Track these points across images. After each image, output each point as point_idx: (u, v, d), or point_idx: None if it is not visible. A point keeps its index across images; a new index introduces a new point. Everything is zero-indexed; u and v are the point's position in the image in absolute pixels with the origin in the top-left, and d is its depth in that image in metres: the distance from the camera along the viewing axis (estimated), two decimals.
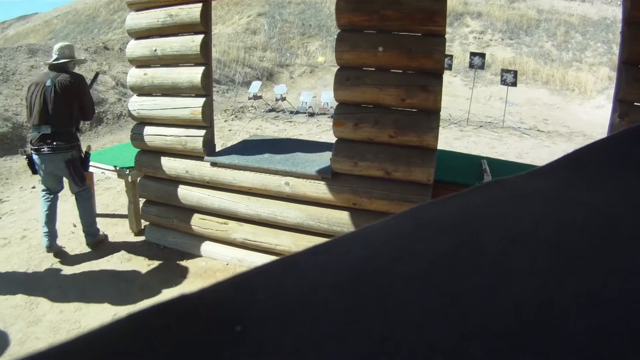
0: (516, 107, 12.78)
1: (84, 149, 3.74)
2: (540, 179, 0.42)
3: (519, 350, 0.22)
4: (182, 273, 3.54)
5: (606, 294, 0.26)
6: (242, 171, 3.40)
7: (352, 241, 0.33)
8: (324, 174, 3.13)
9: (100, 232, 3.95)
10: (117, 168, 3.96)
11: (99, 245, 3.86)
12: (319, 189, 3.16)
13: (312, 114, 10.58)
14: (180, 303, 0.26)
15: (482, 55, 10.78)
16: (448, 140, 8.72)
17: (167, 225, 3.84)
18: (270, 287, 0.28)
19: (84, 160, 3.67)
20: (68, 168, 3.52)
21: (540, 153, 8.27)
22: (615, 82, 3.14)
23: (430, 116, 2.95)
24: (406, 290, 0.27)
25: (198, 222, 3.66)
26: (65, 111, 3.50)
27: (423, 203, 0.37)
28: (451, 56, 11.14)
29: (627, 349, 0.22)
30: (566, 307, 0.25)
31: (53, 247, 3.68)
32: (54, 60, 3.65)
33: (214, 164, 3.49)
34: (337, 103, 3.12)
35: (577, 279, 0.27)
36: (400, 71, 3.00)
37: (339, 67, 3.10)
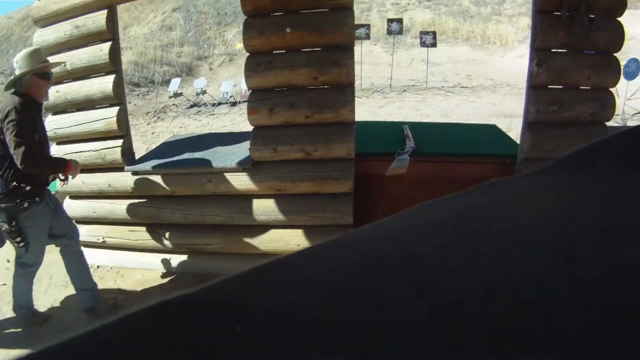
0: (439, 67, 12.93)
1: None
2: (539, 180, 0.42)
3: (519, 350, 0.22)
4: (120, 290, 3.41)
5: (606, 293, 0.25)
6: (164, 175, 3.27)
7: (351, 241, 0.33)
8: (244, 165, 3.07)
9: (40, 312, 3.03)
10: None
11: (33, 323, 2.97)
12: (242, 181, 3.09)
13: (234, 104, 10.45)
14: (180, 303, 0.26)
15: (400, 21, 11.00)
16: (372, 109, 8.74)
17: (98, 244, 3.66)
18: (270, 287, 0.28)
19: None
20: None
21: (465, 109, 8.44)
22: (531, 31, 3.19)
23: (344, 90, 2.93)
24: (406, 290, 0.27)
25: (128, 235, 3.52)
26: None
27: (422, 203, 0.38)
28: (368, 25, 11.20)
29: (628, 348, 0.22)
30: (566, 307, 0.25)
31: None
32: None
33: (135, 173, 3.36)
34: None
35: (577, 278, 0.27)
36: (312, 50, 2.95)
37: (248, 54, 3.03)
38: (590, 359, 0.22)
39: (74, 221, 3.15)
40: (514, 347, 0.22)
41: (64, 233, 2.96)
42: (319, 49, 2.93)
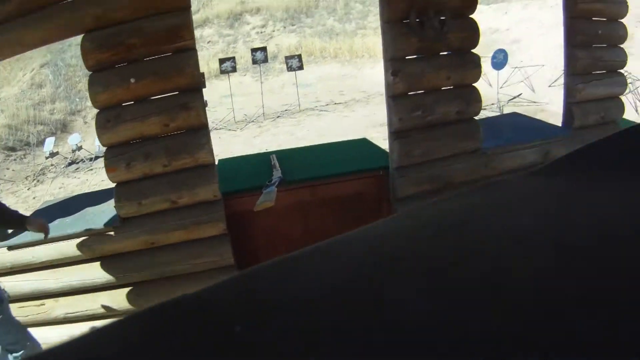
0: (310, 88, 12.93)
1: None
2: (539, 180, 0.42)
3: (520, 349, 0.22)
4: None
5: (606, 293, 0.25)
6: (38, 246, 3.15)
7: (352, 242, 0.33)
8: (113, 224, 2.97)
9: None
10: None
11: None
12: (115, 240, 3.04)
13: None
14: (180, 303, 0.26)
15: (263, 49, 11.03)
16: (248, 139, 8.61)
17: None
18: (270, 287, 0.28)
19: None
20: None
21: (341, 125, 8.49)
22: (382, 43, 3.20)
23: (198, 132, 2.90)
24: (406, 290, 0.27)
25: (17, 312, 3.35)
26: None
27: (423, 203, 0.37)
28: (233, 58, 11.22)
29: (628, 348, 0.22)
30: (566, 306, 0.24)
31: None
32: None
33: (10, 248, 3.22)
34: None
35: (577, 279, 0.27)
36: (160, 97, 2.89)
37: (97, 110, 2.93)
38: (590, 359, 0.21)
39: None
40: (515, 347, 0.22)
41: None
42: (166, 95, 2.87)
